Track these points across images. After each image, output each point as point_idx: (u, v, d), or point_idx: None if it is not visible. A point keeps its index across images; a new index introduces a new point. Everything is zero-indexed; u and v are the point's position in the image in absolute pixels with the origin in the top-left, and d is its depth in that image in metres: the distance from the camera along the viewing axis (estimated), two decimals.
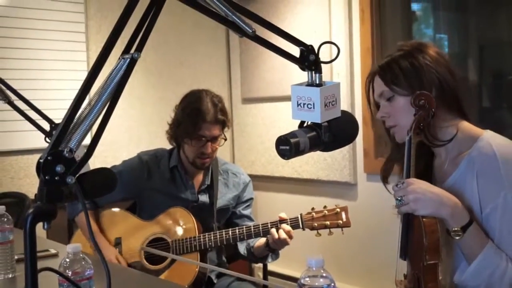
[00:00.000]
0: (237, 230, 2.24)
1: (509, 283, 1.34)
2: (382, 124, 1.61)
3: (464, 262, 1.41)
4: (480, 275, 1.36)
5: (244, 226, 2.26)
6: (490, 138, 1.44)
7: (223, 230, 2.26)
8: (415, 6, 3.57)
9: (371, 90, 1.60)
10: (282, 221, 2.18)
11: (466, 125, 1.50)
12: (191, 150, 2.33)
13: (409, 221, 1.40)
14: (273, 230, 2.15)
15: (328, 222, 2.17)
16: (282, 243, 2.15)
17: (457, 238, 1.35)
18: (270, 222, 2.20)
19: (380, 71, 1.55)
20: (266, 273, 2.73)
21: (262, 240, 2.29)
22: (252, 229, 2.22)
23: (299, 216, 2.19)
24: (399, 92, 1.50)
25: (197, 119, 2.25)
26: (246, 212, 2.49)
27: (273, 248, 2.24)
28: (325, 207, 2.20)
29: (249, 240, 2.35)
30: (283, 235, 2.13)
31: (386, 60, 1.55)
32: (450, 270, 1.48)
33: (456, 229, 1.35)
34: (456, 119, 1.50)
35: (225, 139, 2.38)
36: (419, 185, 1.37)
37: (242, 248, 2.39)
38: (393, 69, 1.51)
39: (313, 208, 2.21)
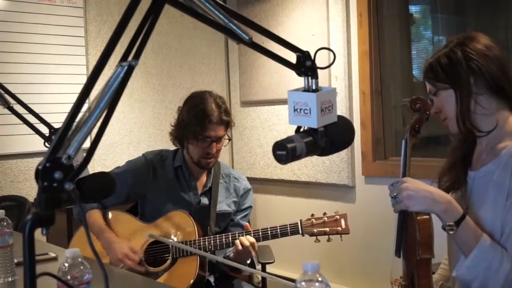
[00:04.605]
0: (237, 234, 2.25)
1: (504, 276, 1.37)
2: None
3: (463, 257, 1.45)
4: (476, 269, 1.39)
5: (245, 230, 2.28)
6: None
7: (223, 234, 2.27)
8: (413, 9, 3.58)
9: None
10: (280, 226, 2.21)
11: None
12: (196, 151, 2.35)
13: (404, 219, 1.48)
14: (237, 242, 2.19)
15: (327, 229, 2.20)
16: (246, 253, 2.17)
17: (451, 232, 1.41)
18: (270, 227, 2.23)
19: (425, 71, 1.58)
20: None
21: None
22: (252, 233, 2.24)
23: (298, 222, 2.22)
24: (440, 87, 1.54)
25: (203, 120, 2.28)
26: (243, 222, 2.48)
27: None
28: (324, 213, 2.24)
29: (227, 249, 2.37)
30: (246, 242, 2.16)
31: (430, 60, 1.57)
32: (454, 264, 1.51)
33: (449, 224, 1.40)
34: (501, 110, 1.51)
35: (229, 139, 2.41)
36: (413, 184, 1.44)
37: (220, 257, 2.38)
38: (433, 67, 1.54)
39: (312, 215, 2.24)
